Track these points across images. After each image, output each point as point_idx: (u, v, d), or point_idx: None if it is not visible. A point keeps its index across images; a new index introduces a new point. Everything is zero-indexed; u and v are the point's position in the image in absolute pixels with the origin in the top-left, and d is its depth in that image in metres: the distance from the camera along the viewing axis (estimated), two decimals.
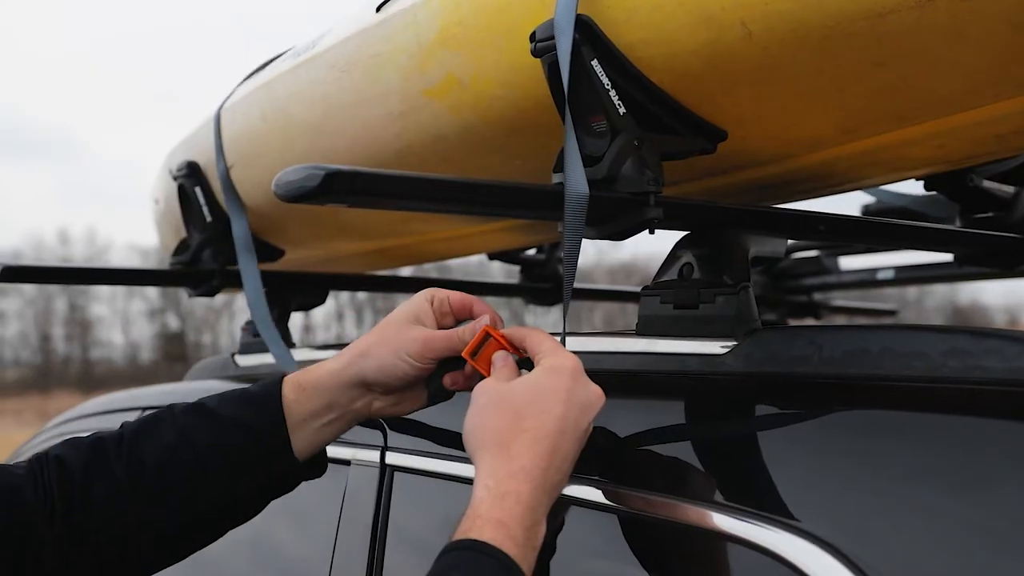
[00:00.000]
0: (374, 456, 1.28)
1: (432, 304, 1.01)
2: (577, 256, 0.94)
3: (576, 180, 0.92)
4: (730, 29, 0.88)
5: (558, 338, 0.98)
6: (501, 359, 0.95)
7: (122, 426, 1.03)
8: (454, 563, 0.81)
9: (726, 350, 1.03)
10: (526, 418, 0.87)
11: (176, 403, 1.04)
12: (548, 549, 1.05)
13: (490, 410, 0.89)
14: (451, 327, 1.00)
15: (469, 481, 1.14)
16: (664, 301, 1.12)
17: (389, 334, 1.00)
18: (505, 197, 0.93)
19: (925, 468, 0.80)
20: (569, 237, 0.93)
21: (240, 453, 0.99)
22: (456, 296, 1.01)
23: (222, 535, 1.03)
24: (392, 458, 1.27)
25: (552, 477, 0.87)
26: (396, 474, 1.26)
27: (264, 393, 1.01)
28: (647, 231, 1.01)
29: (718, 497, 0.89)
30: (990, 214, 1.51)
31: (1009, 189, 1.50)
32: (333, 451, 1.37)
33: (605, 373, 1.15)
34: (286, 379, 1.01)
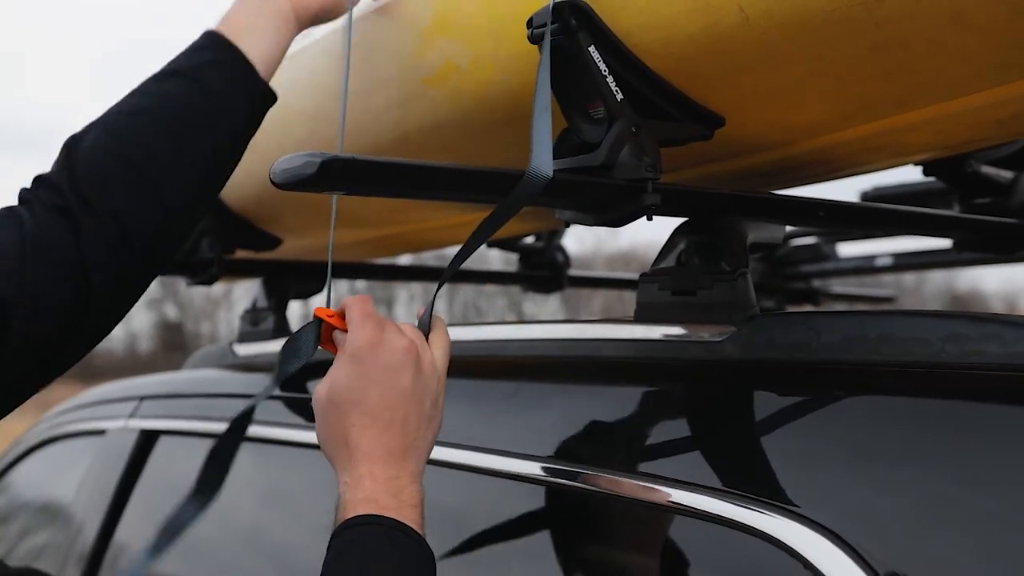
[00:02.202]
0: None
1: None
2: (493, 230, 0.93)
3: (542, 161, 0.90)
4: (728, 14, 0.88)
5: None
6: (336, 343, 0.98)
7: None
8: (345, 545, 0.86)
9: (724, 336, 1.03)
10: (346, 414, 0.92)
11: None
12: (553, 538, 1.05)
13: (321, 420, 0.94)
14: None
15: (469, 468, 1.15)
16: (662, 288, 1.12)
17: None
18: (479, 181, 0.93)
19: (924, 454, 0.80)
20: (501, 209, 0.92)
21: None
22: None
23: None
24: None
25: (400, 445, 0.91)
26: None
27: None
28: (645, 218, 1.00)
29: (717, 483, 0.89)
30: (989, 200, 1.51)
31: (1008, 174, 1.50)
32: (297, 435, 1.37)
33: (603, 360, 1.15)
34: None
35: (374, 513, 0.87)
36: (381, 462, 0.90)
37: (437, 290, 1.02)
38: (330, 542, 0.88)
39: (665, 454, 0.98)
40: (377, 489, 0.89)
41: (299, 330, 1.00)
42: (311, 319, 0.99)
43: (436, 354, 0.97)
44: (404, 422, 0.92)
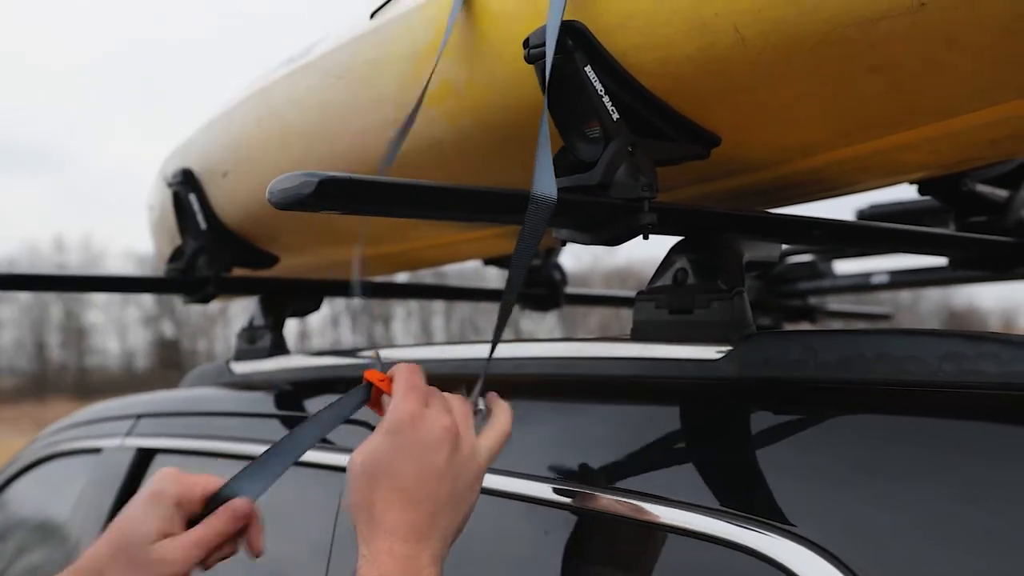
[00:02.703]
0: None
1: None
2: (528, 261, 0.93)
3: (544, 183, 0.90)
4: (723, 35, 0.88)
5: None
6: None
7: None
8: None
9: (721, 355, 1.03)
10: (375, 486, 0.90)
11: None
12: (548, 558, 1.05)
13: (351, 488, 0.92)
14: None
15: None
16: (659, 306, 1.12)
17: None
18: (483, 202, 0.93)
19: (921, 472, 0.80)
20: (524, 240, 0.91)
21: None
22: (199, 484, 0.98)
23: None
24: None
25: (426, 525, 0.89)
26: None
27: None
28: (641, 237, 1.01)
29: (713, 502, 0.89)
30: (984, 218, 1.51)
31: (1003, 193, 1.51)
32: (327, 458, 1.37)
33: (600, 378, 1.15)
34: None
35: None
36: (402, 540, 0.88)
37: (488, 360, 0.99)
38: None
39: (662, 473, 0.98)
40: (395, 568, 0.87)
41: (348, 393, 0.98)
42: (361, 383, 0.97)
43: (484, 442, 0.94)
44: (433, 502, 0.90)
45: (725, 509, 0.87)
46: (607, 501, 0.97)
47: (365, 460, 0.91)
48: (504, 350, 1.36)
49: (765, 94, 0.94)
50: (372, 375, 0.97)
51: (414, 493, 0.89)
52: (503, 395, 1.22)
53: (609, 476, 1.00)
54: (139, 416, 1.96)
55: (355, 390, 0.98)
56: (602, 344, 1.19)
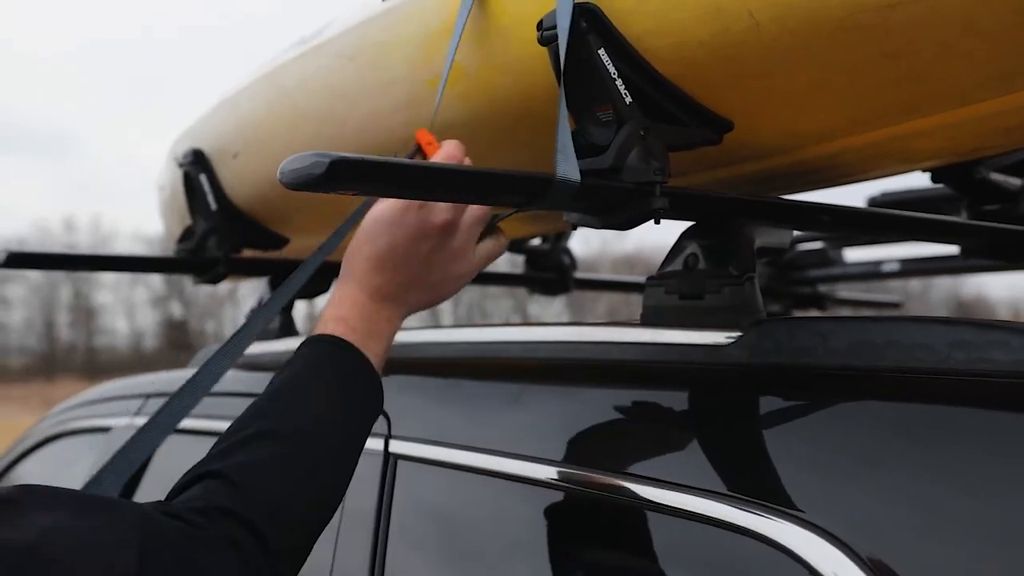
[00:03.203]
0: (378, 444, 1.28)
1: None
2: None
3: (567, 166, 0.92)
4: (738, 20, 0.88)
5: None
6: None
7: None
8: (297, 356, 1.01)
9: (731, 340, 1.03)
10: (366, 244, 1.04)
11: None
12: (557, 541, 1.05)
13: (356, 233, 1.08)
14: None
15: (473, 470, 1.15)
16: (669, 291, 1.12)
17: None
18: (501, 184, 0.92)
19: (929, 461, 0.80)
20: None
21: None
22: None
23: None
24: (396, 446, 1.27)
25: (393, 293, 1.04)
26: (400, 462, 1.26)
27: None
28: (652, 221, 1.00)
29: (722, 488, 0.89)
30: (997, 206, 1.50)
31: (1016, 182, 1.50)
32: None
33: (609, 363, 1.15)
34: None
35: (337, 335, 1.00)
36: (368, 295, 1.03)
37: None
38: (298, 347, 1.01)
39: (671, 458, 0.98)
40: (353, 313, 1.02)
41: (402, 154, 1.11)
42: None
43: (478, 249, 1.07)
44: (407, 277, 1.04)
45: (733, 494, 0.87)
46: (616, 485, 0.97)
47: (370, 219, 1.05)
48: (513, 334, 1.36)
49: (779, 80, 0.94)
50: (422, 136, 1.11)
51: (393, 265, 1.03)
52: (512, 380, 1.23)
53: (618, 460, 1.01)
54: (148, 396, 1.96)
55: (408, 148, 1.12)
56: (611, 328, 1.19)
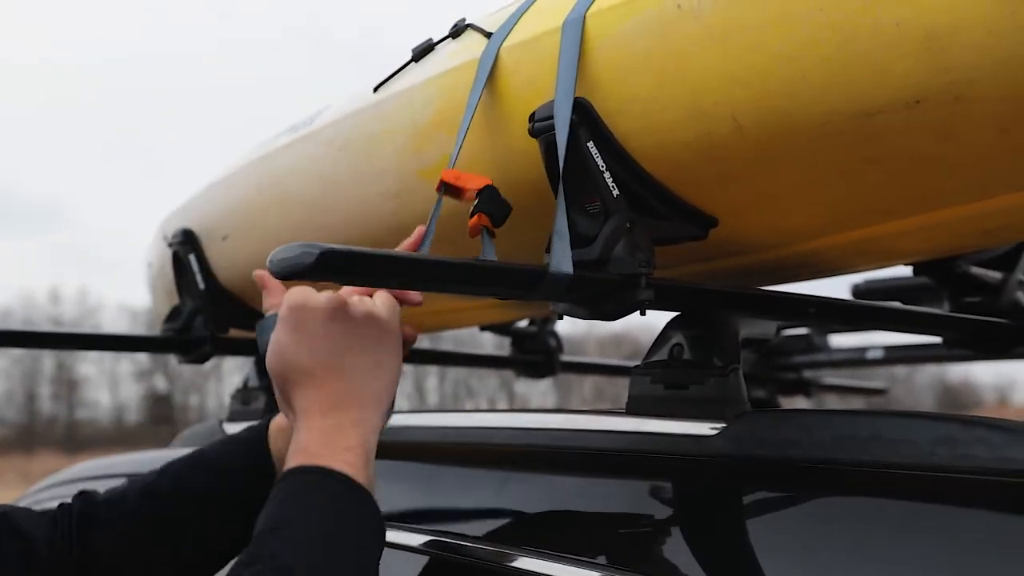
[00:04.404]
0: None
1: None
2: None
3: (561, 259, 0.94)
4: (721, 123, 0.90)
5: None
6: None
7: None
8: (270, 498, 0.90)
9: (715, 432, 1.03)
10: (287, 380, 0.96)
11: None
12: None
13: (274, 385, 0.99)
14: None
15: (455, 559, 1.14)
16: (654, 381, 1.12)
17: None
18: (494, 277, 0.94)
19: (911, 556, 0.80)
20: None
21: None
22: None
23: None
24: None
25: (337, 398, 0.94)
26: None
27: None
28: (638, 312, 1.01)
29: None
30: (978, 299, 1.52)
31: (996, 275, 1.52)
32: None
33: (594, 451, 1.15)
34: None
35: (301, 464, 0.90)
36: (319, 415, 0.93)
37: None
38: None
39: (653, 549, 0.98)
40: (313, 440, 0.92)
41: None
42: None
43: (376, 302, 1.00)
44: (340, 372, 0.95)
45: None
46: None
47: (270, 360, 0.97)
48: (497, 420, 1.36)
49: (762, 181, 0.96)
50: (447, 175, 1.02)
51: (318, 371, 0.95)
52: (497, 467, 1.23)
53: (601, 550, 1.00)
54: (128, 476, 1.94)
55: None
56: (597, 417, 1.20)
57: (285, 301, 0.97)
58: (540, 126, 0.98)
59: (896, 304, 1.52)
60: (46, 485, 2.26)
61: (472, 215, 0.98)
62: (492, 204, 0.99)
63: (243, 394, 1.87)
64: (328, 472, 0.89)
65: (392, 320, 1.00)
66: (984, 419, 0.88)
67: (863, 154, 0.87)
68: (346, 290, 1.02)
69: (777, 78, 0.85)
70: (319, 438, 0.92)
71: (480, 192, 0.99)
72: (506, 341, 2.38)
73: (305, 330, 0.95)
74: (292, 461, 0.91)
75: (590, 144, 0.97)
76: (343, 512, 0.88)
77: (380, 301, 1.01)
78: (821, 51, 0.81)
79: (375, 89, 1.27)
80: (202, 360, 1.83)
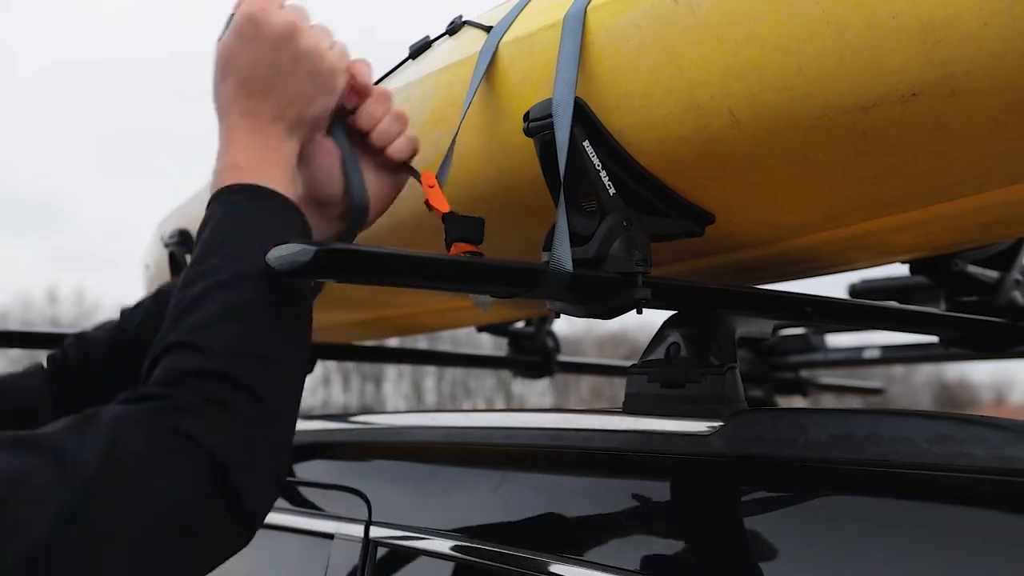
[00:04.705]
0: (358, 530, 1.27)
1: None
2: None
3: (561, 257, 0.94)
4: (718, 117, 0.90)
5: None
6: None
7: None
8: (209, 215, 0.94)
9: (712, 430, 1.03)
10: (225, 81, 0.99)
11: None
12: None
13: (213, 86, 1.01)
14: None
15: (453, 558, 1.14)
16: (651, 380, 1.12)
17: None
18: (493, 275, 0.94)
19: (907, 555, 0.80)
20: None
21: None
22: None
23: None
24: (376, 532, 1.26)
25: (271, 112, 0.97)
26: (380, 548, 1.25)
27: None
28: (635, 311, 1.01)
29: None
30: (975, 298, 1.52)
31: (993, 274, 1.52)
32: (316, 524, 1.36)
33: (591, 450, 1.15)
34: None
35: (232, 183, 0.94)
36: (248, 128, 0.97)
37: None
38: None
39: (650, 548, 0.98)
40: (243, 153, 0.96)
41: None
42: None
43: (335, 47, 1.01)
44: (275, 91, 0.97)
45: None
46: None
47: (217, 58, 0.99)
48: (494, 420, 1.36)
49: (759, 175, 0.96)
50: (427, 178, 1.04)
51: (255, 84, 0.97)
52: (495, 467, 1.23)
53: (598, 549, 1.00)
54: None
55: None
56: (594, 416, 1.20)
57: (242, 8, 0.98)
58: (535, 126, 0.98)
59: (893, 303, 1.52)
60: None
61: (448, 246, 0.98)
62: (461, 229, 0.99)
63: None
64: (259, 190, 0.93)
65: (338, 63, 1.01)
66: (981, 418, 0.88)
67: (859, 147, 0.87)
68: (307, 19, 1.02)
69: (773, 72, 0.85)
70: (250, 153, 0.96)
71: (443, 219, 0.99)
72: (503, 341, 2.38)
73: (258, 40, 0.97)
74: (223, 177, 0.95)
75: (585, 143, 0.97)
76: (282, 227, 0.93)
77: (337, 47, 1.02)
78: (817, 44, 0.81)
79: None
80: None
